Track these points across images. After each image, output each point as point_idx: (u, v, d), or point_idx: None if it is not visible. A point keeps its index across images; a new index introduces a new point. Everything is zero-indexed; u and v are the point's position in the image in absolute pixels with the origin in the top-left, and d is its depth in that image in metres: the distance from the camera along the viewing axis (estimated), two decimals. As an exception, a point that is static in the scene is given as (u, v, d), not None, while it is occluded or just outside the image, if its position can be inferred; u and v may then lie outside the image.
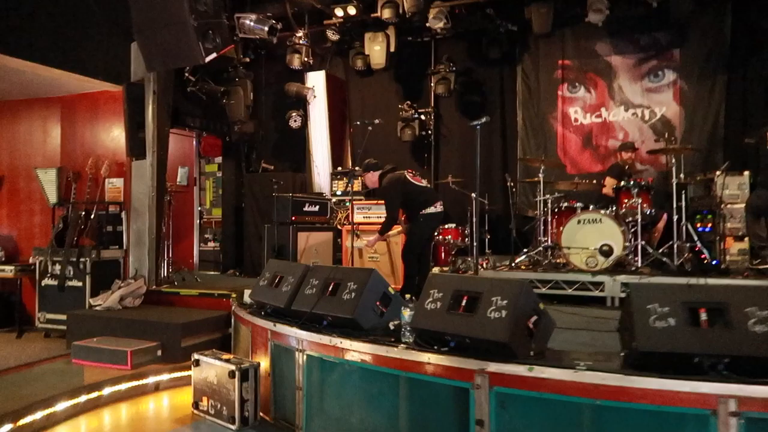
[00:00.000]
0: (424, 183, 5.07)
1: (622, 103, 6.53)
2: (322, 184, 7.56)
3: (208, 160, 9.48)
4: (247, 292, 4.81)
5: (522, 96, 7.01)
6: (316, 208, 5.34)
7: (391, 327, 3.32)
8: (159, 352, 5.03)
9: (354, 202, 6.36)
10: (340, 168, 7.31)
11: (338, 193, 7.15)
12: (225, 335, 5.29)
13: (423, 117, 7.34)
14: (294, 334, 3.57)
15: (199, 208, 9.39)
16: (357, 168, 5.19)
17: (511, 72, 7.11)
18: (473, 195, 6.66)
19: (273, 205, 4.94)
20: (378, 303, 3.43)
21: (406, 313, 3.15)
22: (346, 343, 3.19)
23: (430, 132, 7.40)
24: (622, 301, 4.64)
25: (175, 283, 6.65)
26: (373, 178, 4.99)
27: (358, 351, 3.13)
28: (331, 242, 5.55)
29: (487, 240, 6.76)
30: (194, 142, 9.18)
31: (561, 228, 5.13)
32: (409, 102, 7.31)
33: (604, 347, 3.06)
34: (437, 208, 4.92)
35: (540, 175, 5.72)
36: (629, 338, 2.52)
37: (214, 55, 3.69)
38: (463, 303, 2.88)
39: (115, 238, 6.47)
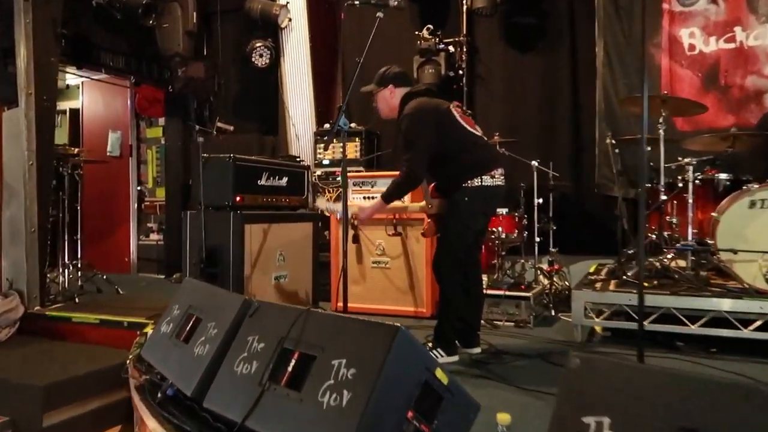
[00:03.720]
0: (479, 132, 3.06)
1: (771, 18, 4.48)
2: (302, 149, 5.53)
3: (150, 122, 7.45)
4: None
5: (604, 13, 4.96)
6: (283, 182, 3.29)
7: (451, 491, 1.33)
8: (7, 437, 3.12)
9: (349, 176, 4.34)
10: (328, 125, 5.27)
11: (325, 162, 5.13)
12: (135, 395, 3.27)
13: (451, 49, 5.29)
14: (203, 476, 1.58)
15: (139, 188, 7.39)
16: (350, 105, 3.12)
17: (586, -21, 5.06)
18: (534, 163, 4.67)
19: (198, 176, 2.91)
20: (410, 414, 1.43)
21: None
22: None
23: (461, 71, 5.36)
24: None
25: (76, 300, 4.69)
26: (391, 99, 3.02)
27: None
28: (309, 240, 3.50)
29: (551, 233, 4.75)
30: (128, 96, 7.13)
31: (716, 215, 3.12)
32: (430, 27, 5.25)
33: None
34: (496, 178, 2.93)
35: (659, 129, 3.69)
36: None
37: None
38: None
39: (-24, 232, 4.50)
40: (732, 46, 4.60)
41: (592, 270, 4.45)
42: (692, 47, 4.73)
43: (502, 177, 3.00)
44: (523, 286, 3.99)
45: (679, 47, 4.77)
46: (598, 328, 3.42)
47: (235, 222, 2.91)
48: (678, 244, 3.41)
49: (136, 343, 3.27)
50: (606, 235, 5.05)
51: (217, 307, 2.08)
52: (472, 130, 2.99)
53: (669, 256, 3.51)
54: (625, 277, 3.37)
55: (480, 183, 2.87)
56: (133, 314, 4.00)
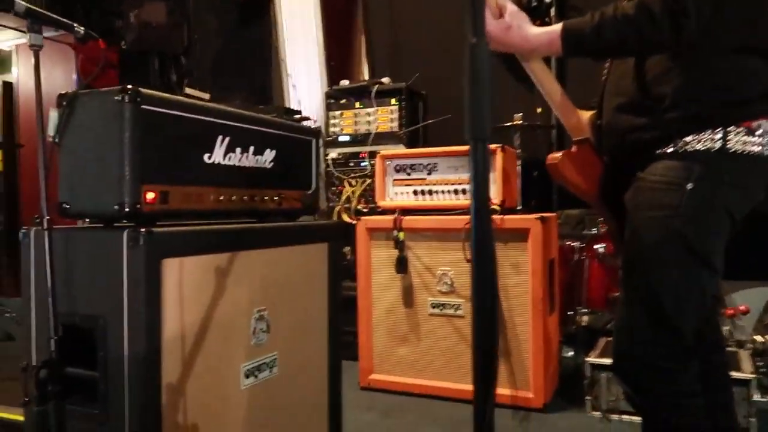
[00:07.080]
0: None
1: None
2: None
3: (107, 96, 5.79)
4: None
5: None
6: (266, 159, 1.50)
7: None
8: None
9: (388, 155, 2.66)
10: (347, 82, 3.56)
11: (344, 138, 3.43)
12: None
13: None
14: None
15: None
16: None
17: None
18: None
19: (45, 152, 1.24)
20: None
21: None
22: None
23: (550, -2, 3.64)
24: None
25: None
26: None
27: None
28: (323, 278, 1.75)
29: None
30: (73, 60, 5.48)
31: None
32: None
33: None
34: (758, 136, 1.25)
35: None
36: None
37: None
38: None
39: None
40: None
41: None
42: None
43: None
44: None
45: None
46: None
47: (139, 255, 1.16)
48: None
49: None
50: None
51: None
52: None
53: None
54: None
55: (740, 142, 1.24)
56: None
